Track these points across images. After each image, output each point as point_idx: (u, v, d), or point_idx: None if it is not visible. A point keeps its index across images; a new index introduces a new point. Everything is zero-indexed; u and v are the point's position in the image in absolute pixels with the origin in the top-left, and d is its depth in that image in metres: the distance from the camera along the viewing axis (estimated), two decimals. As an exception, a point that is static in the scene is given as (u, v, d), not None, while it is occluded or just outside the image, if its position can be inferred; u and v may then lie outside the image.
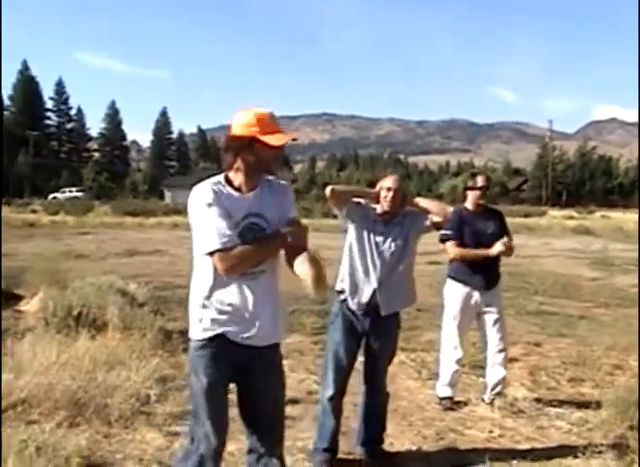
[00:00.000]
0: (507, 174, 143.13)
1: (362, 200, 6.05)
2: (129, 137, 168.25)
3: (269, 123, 4.20)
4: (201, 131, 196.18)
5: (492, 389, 7.62)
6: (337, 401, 5.91)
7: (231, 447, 6.18)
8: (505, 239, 7.33)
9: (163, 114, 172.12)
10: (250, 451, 4.59)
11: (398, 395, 7.92)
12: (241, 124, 4.19)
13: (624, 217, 64.57)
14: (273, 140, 4.16)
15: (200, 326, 4.21)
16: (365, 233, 5.91)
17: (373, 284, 5.87)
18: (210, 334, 4.19)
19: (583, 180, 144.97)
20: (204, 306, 4.19)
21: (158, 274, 17.57)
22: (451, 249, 7.60)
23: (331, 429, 5.88)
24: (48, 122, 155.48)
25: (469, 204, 7.72)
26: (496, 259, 7.57)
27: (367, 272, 5.89)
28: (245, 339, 4.22)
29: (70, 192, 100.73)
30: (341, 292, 5.97)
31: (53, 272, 13.90)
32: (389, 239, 5.93)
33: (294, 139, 4.36)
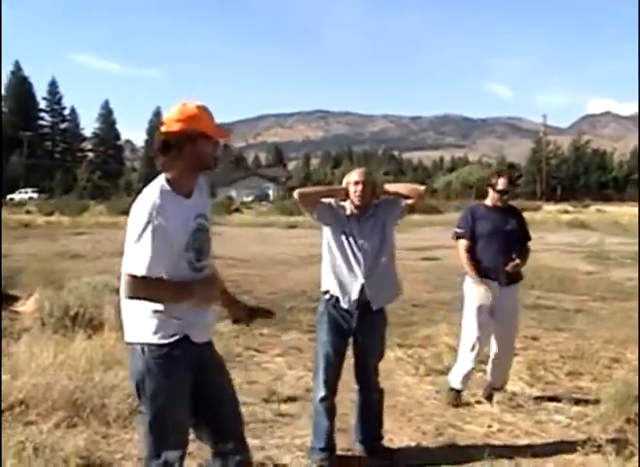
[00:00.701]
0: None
1: (332, 200, 5.99)
2: (123, 137, 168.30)
3: (209, 115, 4.08)
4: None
5: (491, 385, 7.68)
6: (329, 401, 5.89)
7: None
8: (515, 263, 7.24)
9: (157, 114, 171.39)
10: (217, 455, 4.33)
11: (396, 391, 7.92)
12: (181, 118, 4.00)
13: (620, 211, 64.63)
14: (214, 132, 4.08)
15: (161, 329, 4.00)
16: (341, 234, 5.86)
17: (360, 280, 5.82)
18: (175, 337, 4.03)
19: (577, 174, 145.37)
20: (158, 311, 3.98)
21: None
22: (461, 251, 7.56)
23: (325, 429, 5.87)
24: (41, 122, 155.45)
25: (488, 201, 7.64)
26: (516, 251, 7.37)
27: (351, 269, 5.83)
28: (202, 335, 4.16)
29: (26, 192, 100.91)
30: (326, 292, 5.94)
31: (48, 273, 13.90)
32: (366, 234, 5.86)
33: (228, 135, 4.37)
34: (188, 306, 3.97)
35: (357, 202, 5.84)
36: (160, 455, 4.07)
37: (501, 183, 7.47)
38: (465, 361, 7.51)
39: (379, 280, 5.91)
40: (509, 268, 7.23)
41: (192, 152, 3.98)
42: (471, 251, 7.51)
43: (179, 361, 4.01)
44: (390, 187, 6.13)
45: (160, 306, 3.93)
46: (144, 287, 3.84)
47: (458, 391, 7.56)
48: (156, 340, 3.97)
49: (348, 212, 5.90)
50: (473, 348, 7.44)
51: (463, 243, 7.53)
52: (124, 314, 4.11)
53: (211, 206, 4.43)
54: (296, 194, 5.86)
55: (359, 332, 5.91)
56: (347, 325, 5.88)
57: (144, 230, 3.80)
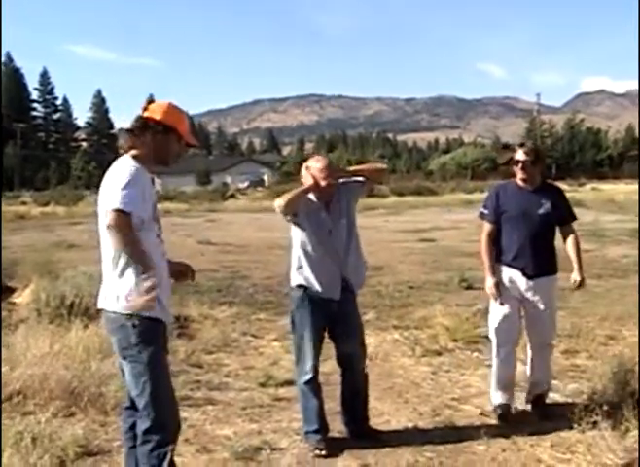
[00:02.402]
0: (496, 150, 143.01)
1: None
2: (117, 125, 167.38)
3: (188, 121, 4.57)
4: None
5: (531, 390, 6.68)
6: (315, 382, 5.91)
7: (227, 430, 6.23)
8: (576, 281, 6.52)
9: (150, 101, 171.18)
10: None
11: (393, 373, 7.96)
12: (166, 112, 4.45)
13: (615, 188, 64.76)
14: (188, 136, 4.50)
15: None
16: (314, 226, 5.81)
17: (339, 266, 5.85)
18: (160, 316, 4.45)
19: (572, 153, 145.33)
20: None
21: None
22: (482, 235, 6.62)
23: (315, 409, 5.89)
24: (34, 113, 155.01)
25: (517, 179, 6.60)
26: (547, 241, 6.48)
27: (330, 258, 5.83)
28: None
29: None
30: (301, 286, 5.89)
31: (44, 263, 13.91)
32: (336, 220, 5.85)
33: (199, 145, 4.61)
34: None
35: (324, 184, 5.76)
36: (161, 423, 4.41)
37: (519, 154, 6.47)
38: (495, 369, 6.60)
39: (354, 262, 5.96)
40: (572, 286, 6.56)
41: (161, 143, 4.39)
42: (495, 236, 6.56)
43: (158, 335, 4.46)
44: (351, 168, 6.20)
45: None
46: (129, 226, 4.12)
47: (505, 405, 6.53)
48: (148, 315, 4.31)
49: (314, 200, 5.85)
50: (498, 354, 6.53)
51: (486, 227, 6.60)
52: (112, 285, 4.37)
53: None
54: (278, 207, 5.72)
55: (339, 317, 5.93)
56: (328, 312, 5.87)
57: (129, 180, 4.18)
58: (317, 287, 5.82)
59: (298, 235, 5.89)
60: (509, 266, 6.45)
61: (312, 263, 5.83)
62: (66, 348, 7.48)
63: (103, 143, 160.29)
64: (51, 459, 5.18)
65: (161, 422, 4.39)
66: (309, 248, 5.83)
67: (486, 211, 6.63)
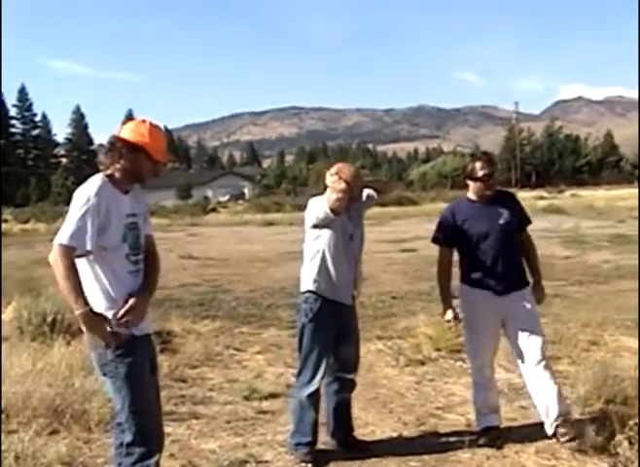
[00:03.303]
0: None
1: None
2: (96, 141, 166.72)
3: (159, 138, 4.54)
4: (168, 131, 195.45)
5: (550, 416, 5.91)
6: (317, 395, 5.91)
7: (212, 444, 6.21)
8: (537, 289, 6.19)
9: (129, 116, 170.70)
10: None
11: (377, 383, 7.98)
12: (134, 131, 4.47)
13: (595, 194, 65.23)
14: (157, 155, 4.50)
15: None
16: (340, 231, 5.83)
17: (353, 272, 5.95)
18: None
19: (551, 160, 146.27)
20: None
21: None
22: (438, 268, 6.29)
23: (311, 423, 5.88)
24: (12, 130, 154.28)
25: (471, 194, 6.20)
26: (514, 252, 6.15)
27: (347, 264, 5.88)
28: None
29: None
30: (314, 293, 5.87)
31: (26, 281, 13.86)
32: (355, 226, 5.95)
33: (172, 161, 4.65)
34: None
35: (354, 194, 5.81)
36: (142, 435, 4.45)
37: (479, 167, 6.04)
38: (479, 389, 6.23)
39: (360, 268, 6.10)
40: (537, 298, 6.17)
41: (131, 162, 4.43)
42: (459, 258, 6.26)
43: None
44: (368, 179, 6.30)
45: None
46: (63, 258, 4.17)
47: (492, 428, 6.12)
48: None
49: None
50: (481, 372, 6.21)
51: (442, 253, 6.24)
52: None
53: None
54: (336, 201, 5.61)
55: (345, 324, 5.98)
56: (339, 320, 5.91)
57: (79, 207, 4.26)
58: (335, 291, 5.85)
59: (321, 238, 5.87)
60: (479, 287, 6.05)
61: (332, 266, 5.84)
62: (49, 366, 7.45)
63: (83, 159, 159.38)
64: (35, 478, 5.18)
65: (143, 435, 4.41)
66: (333, 252, 5.83)
67: (441, 235, 6.23)
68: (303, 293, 5.98)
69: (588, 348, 9.00)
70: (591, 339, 9.47)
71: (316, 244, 5.89)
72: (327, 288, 5.84)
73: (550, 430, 5.90)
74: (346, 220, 5.88)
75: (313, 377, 5.88)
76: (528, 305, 6.07)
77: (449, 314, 6.11)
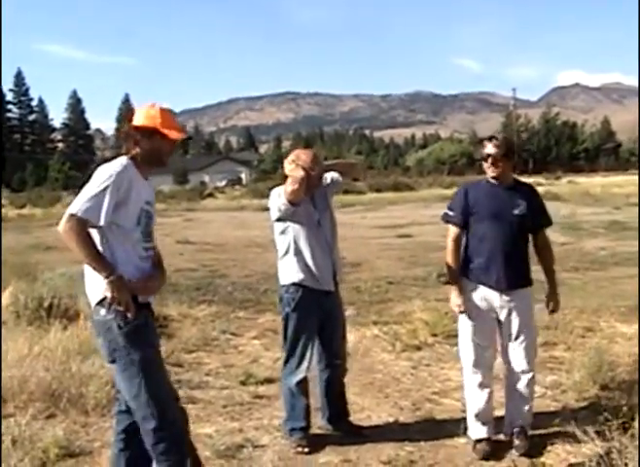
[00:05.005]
0: (473, 145, 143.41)
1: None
2: (93, 126, 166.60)
3: (170, 118, 4.63)
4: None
5: (511, 424, 5.80)
6: (305, 382, 5.95)
7: (208, 429, 6.23)
8: (550, 303, 5.89)
9: (126, 101, 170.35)
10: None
11: (373, 368, 7.99)
12: (145, 115, 4.58)
13: (591, 181, 65.17)
14: (172, 133, 4.57)
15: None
16: (305, 218, 5.82)
17: (330, 257, 5.93)
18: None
19: (548, 147, 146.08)
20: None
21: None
22: (448, 241, 5.87)
23: (303, 408, 5.92)
24: (9, 114, 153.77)
25: (488, 176, 5.83)
26: (522, 247, 5.82)
27: (321, 251, 5.87)
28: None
29: None
30: (296, 284, 5.88)
31: (22, 265, 13.85)
32: (322, 211, 5.94)
33: (189, 138, 4.73)
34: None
35: (313, 180, 5.80)
36: (168, 420, 4.39)
37: (488, 146, 5.75)
38: (472, 395, 5.86)
39: (337, 253, 6.07)
40: (548, 309, 5.91)
41: (147, 147, 4.49)
42: (464, 243, 5.88)
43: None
44: (327, 163, 6.23)
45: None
46: (76, 228, 4.16)
47: (486, 439, 5.74)
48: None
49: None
50: (475, 375, 5.82)
51: (452, 231, 5.84)
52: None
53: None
54: (290, 194, 5.60)
55: (329, 311, 5.98)
56: (322, 307, 5.91)
57: (100, 182, 4.25)
58: (317, 280, 5.84)
59: (288, 232, 5.87)
60: (479, 282, 5.72)
61: (307, 256, 5.83)
62: (45, 350, 7.45)
63: (80, 144, 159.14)
64: (31, 461, 5.19)
65: (167, 419, 4.37)
66: (302, 241, 5.83)
67: (452, 213, 5.86)
68: (283, 285, 5.99)
69: (584, 335, 9.02)
70: (587, 325, 9.48)
71: (285, 238, 5.91)
72: (306, 278, 5.85)
73: (505, 436, 5.81)
74: (310, 207, 5.87)
75: (300, 364, 5.92)
76: (525, 310, 5.73)
77: (456, 300, 5.73)
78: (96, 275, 4.24)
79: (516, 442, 5.64)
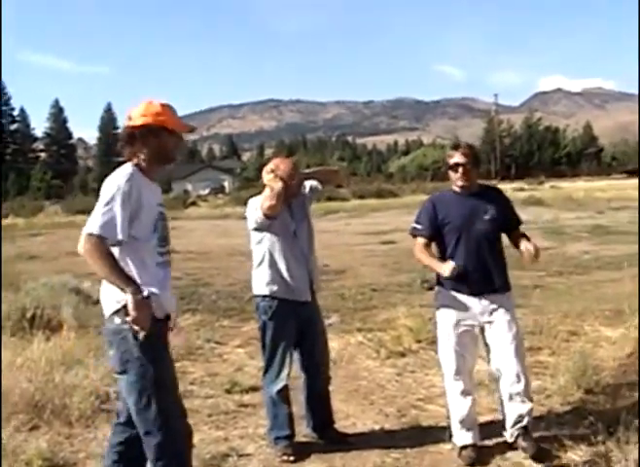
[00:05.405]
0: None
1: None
2: (75, 135, 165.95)
3: (173, 112, 4.46)
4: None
5: (514, 424, 5.67)
6: (286, 390, 5.93)
7: (194, 438, 6.20)
8: (528, 247, 5.63)
9: (108, 109, 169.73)
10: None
11: (358, 375, 7.99)
12: (147, 113, 4.37)
13: (574, 186, 65.51)
14: (179, 127, 4.46)
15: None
16: (280, 228, 5.79)
17: (306, 267, 5.91)
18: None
19: (531, 152, 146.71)
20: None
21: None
22: (416, 252, 5.79)
23: (286, 416, 5.91)
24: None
25: (454, 186, 5.79)
26: (497, 252, 5.82)
27: (298, 264, 5.84)
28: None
29: None
30: (268, 296, 5.87)
31: (5, 275, 13.78)
32: (299, 221, 5.92)
33: (192, 129, 4.60)
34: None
35: (292, 190, 5.77)
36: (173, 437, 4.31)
37: (451, 155, 5.71)
38: (455, 402, 5.80)
39: (314, 263, 6.05)
40: (526, 258, 5.62)
41: (155, 144, 4.34)
42: (437, 254, 5.80)
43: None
44: (306, 171, 6.20)
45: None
46: (97, 248, 4.03)
47: (471, 445, 5.69)
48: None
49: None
50: (457, 382, 5.76)
51: (420, 242, 5.77)
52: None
53: (165, 201, 4.62)
54: (268, 209, 5.58)
55: (307, 319, 5.95)
56: (299, 316, 5.89)
57: (109, 196, 4.10)
58: (292, 291, 5.81)
59: (263, 242, 5.86)
60: (456, 290, 5.66)
61: (282, 266, 5.80)
62: (29, 361, 7.40)
63: (62, 153, 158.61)
64: (15, 473, 5.16)
65: (174, 435, 4.30)
66: (278, 254, 5.80)
67: (421, 226, 5.80)
68: (257, 295, 5.98)
69: (568, 339, 9.02)
70: (571, 329, 9.49)
71: (260, 248, 5.90)
72: (280, 289, 5.83)
73: (509, 438, 5.71)
74: (288, 217, 5.84)
75: (279, 372, 5.90)
76: (507, 314, 5.67)
77: (450, 264, 5.48)
78: (112, 287, 4.14)
79: (523, 444, 5.58)
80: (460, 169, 5.63)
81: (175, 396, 4.45)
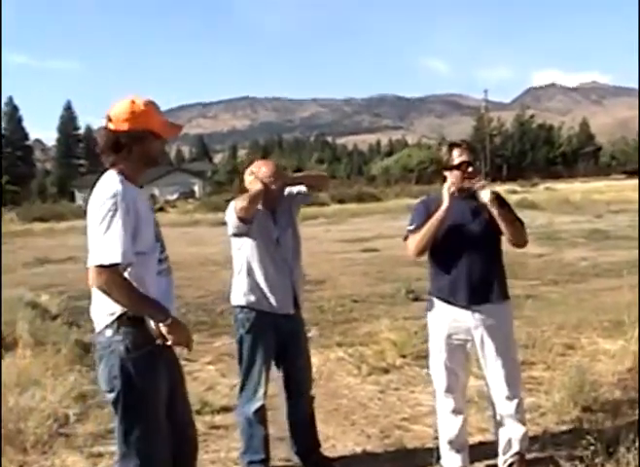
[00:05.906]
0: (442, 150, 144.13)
1: None
2: (32, 136, 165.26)
3: (158, 112, 4.32)
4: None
5: (507, 450, 5.63)
6: (263, 410, 5.90)
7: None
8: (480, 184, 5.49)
9: (68, 108, 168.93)
10: None
11: (338, 393, 7.97)
12: (131, 116, 4.18)
13: (571, 188, 65.66)
14: (164, 131, 4.33)
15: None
16: (261, 235, 5.77)
17: (290, 278, 5.88)
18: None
19: (523, 151, 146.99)
20: None
21: (73, 283, 17.06)
22: (411, 244, 5.59)
23: (262, 438, 5.87)
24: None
25: (453, 187, 5.55)
26: (495, 258, 5.71)
27: (278, 274, 5.81)
28: None
29: None
30: (246, 307, 5.85)
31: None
32: (283, 229, 5.88)
33: (180, 129, 4.54)
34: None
35: (273, 195, 5.75)
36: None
37: (457, 154, 5.54)
38: (445, 421, 5.75)
39: (300, 273, 6.04)
40: (476, 186, 5.44)
41: (141, 151, 4.22)
42: (429, 262, 5.75)
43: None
44: (295, 176, 6.20)
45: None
46: (113, 279, 3.94)
47: None
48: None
49: (260, 207, 5.74)
50: (447, 399, 5.71)
51: (412, 238, 5.60)
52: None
53: None
54: (240, 209, 5.58)
55: (290, 335, 5.94)
56: (280, 331, 5.86)
57: (109, 216, 3.97)
58: (271, 303, 5.78)
59: (243, 249, 5.82)
60: (448, 302, 5.57)
61: (263, 277, 5.78)
62: (-20, 382, 7.36)
63: (18, 156, 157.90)
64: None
65: (153, 464, 4.21)
66: (258, 263, 5.77)
67: (414, 226, 5.63)
68: (235, 306, 5.95)
69: (564, 352, 9.03)
70: (567, 342, 9.50)
71: (240, 255, 5.87)
72: (257, 300, 5.80)
73: (502, 465, 5.65)
74: (270, 224, 5.82)
75: (256, 390, 5.86)
76: (504, 327, 5.60)
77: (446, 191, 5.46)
78: (105, 297, 4.04)
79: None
80: (468, 168, 5.51)
81: (162, 425, 4.27)
